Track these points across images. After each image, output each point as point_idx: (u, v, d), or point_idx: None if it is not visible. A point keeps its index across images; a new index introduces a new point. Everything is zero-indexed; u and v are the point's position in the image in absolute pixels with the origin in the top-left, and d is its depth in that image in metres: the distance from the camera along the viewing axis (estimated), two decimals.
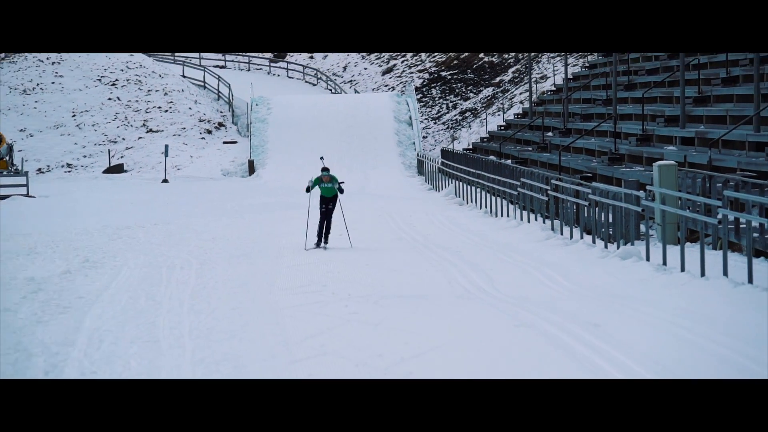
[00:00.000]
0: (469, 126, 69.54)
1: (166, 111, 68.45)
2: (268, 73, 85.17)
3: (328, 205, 27.14)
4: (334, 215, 27.27)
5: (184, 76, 74.18)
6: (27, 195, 47.33)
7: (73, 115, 67.34)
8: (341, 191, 27.38)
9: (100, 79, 70.43)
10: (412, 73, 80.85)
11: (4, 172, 52.16)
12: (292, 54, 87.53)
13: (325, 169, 27.59)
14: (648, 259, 21.10)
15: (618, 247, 23.03)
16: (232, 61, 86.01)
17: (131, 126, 66.87)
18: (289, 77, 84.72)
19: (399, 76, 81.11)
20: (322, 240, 26.83)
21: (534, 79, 63.46)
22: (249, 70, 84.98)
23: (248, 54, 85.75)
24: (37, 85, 69.61)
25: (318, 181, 27.29)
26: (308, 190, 27.46)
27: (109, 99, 68.86)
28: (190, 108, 69.04)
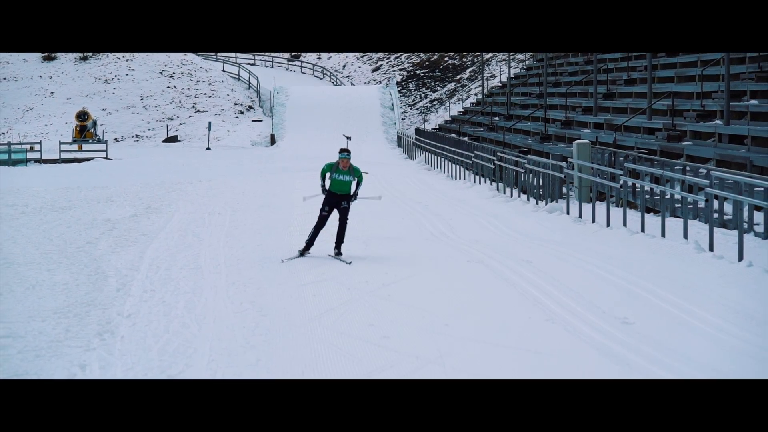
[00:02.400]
0: (437, 111, 69.35)
1: (210, 96, 68.16)
2: (287, 69, 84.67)
3: (339, 203, 15.94)
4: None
5: (223, 71, 73.72)
6: (106, 158, 47.32)
7: (141, 99, 67.03)
8: (359, 183, 16.10)
9: (161, 72, 70.05)
10: (394, 71, 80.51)
11: (90, 141, 52.56)
12: (303, 55, 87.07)
13: (344, 151, 16.00)
14: (568, 213, 21.10)
15: (546, 204, 23.03)
16: (260, 59, 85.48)
17: (184, 107, 66.58)
18: (302, 72, 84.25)
19: (384, 73, 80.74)
20: (310, 248, 16.10)
21: (485, 78, 63.24)
22: (272, 66, 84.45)
23: (272, 54, 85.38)
24: (115, 76, 69.24)
25: (329, 168, 15.98)
26: (323, 188, 16.14)
27: (168, 87, 68.51)
28: (227, 94, 68.74)
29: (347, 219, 16.08)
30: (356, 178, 16.00)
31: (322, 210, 15.99)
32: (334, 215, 16.14)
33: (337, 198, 15.99)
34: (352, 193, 16.11)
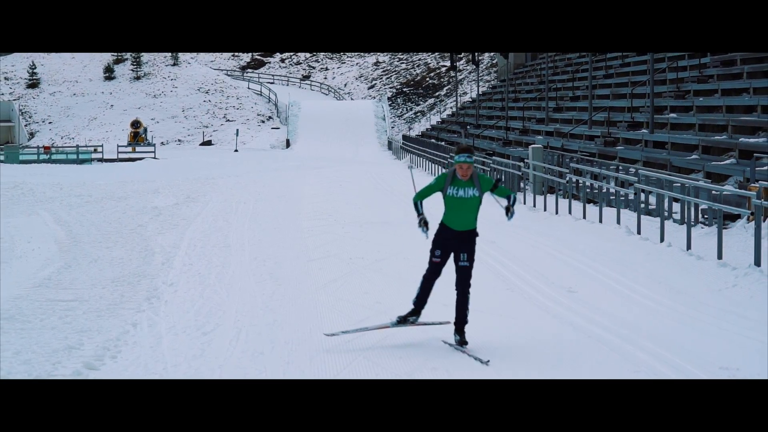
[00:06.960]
0: (420, 121, 69.22)
1: (237, 108, 68.02)
2: (299, 87, 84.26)
3: (458, 252, 8.17)
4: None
5: (248, 88, 73.53)
6: (154, 158, 47.19)
7: (182, 110, 66.92)
8: (509, 203, 8.93)
9: (199, 89, 69.94)
10: (385, 88, 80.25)
11: (142, 144, 52.70)
12: (312, 75, 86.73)
13: (464, 151, 7.88)
14: (525, 203, 21.10)
15: None
16: (278, 79, 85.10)
17: (216, 117, 66.47)
18: (312, 90, 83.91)
19: (378, 90, 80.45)
20: (419, 312, 8.45)
21: (459, 94, 63.08)
22: (288, 85, 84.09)
23: (287, 76, 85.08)
24: (162, 92, 69.16)
25: (442, 182, 8.06)
26: (418, 209, 8.49)
27: (204, 101, 68.41)
28: (251, 107, 68.61)
29: (470, 285, 8.21)
30: (485, 192, 8.49)
31: (432, 255, 8.45)
32: (449, 269, 8.36)
33: (455, 239, 8.27)
34: (507, 211, 8.95)
